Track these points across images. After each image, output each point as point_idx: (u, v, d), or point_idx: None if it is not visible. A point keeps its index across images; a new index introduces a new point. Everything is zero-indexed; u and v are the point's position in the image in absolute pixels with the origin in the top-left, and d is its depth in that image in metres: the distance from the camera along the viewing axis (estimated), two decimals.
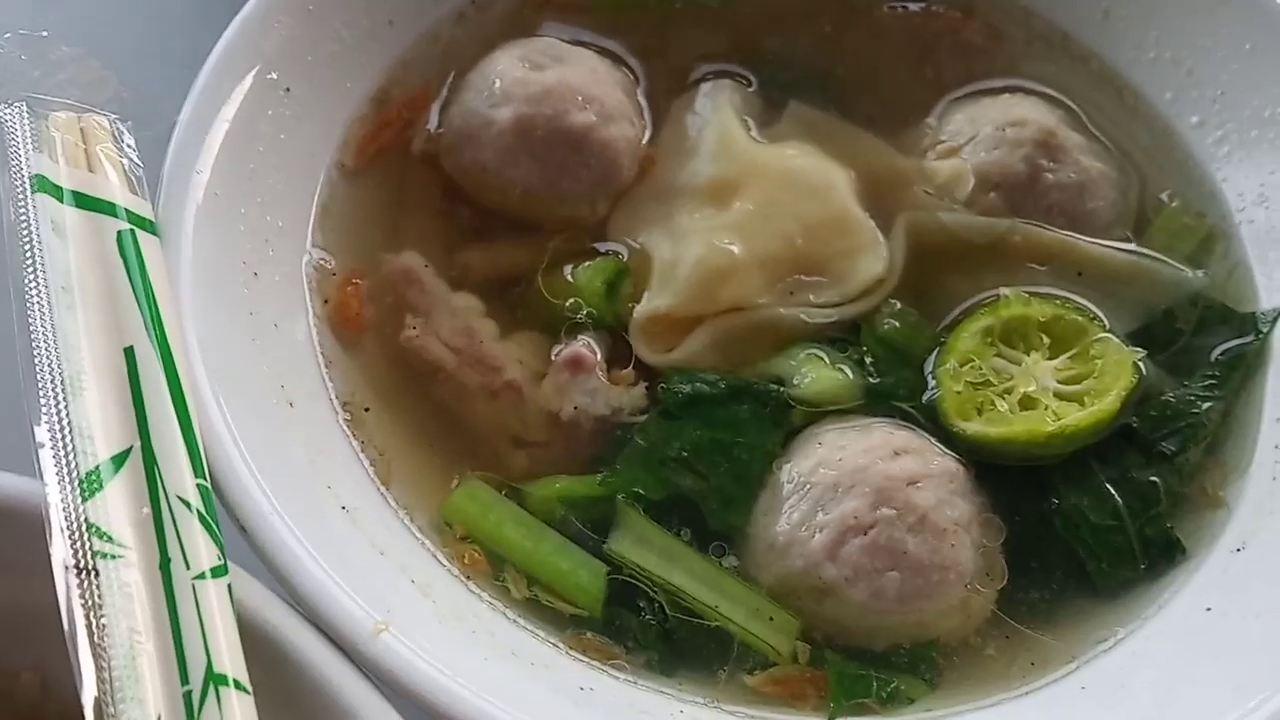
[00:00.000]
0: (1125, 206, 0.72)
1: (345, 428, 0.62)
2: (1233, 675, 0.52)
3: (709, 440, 0.63)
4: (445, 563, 0.59)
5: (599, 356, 0.66)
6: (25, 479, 0.51)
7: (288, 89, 0.67)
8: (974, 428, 0.62)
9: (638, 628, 0.59)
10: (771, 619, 0.59)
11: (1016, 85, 0.76)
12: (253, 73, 0.65)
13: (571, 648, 0.58)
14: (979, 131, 0.72)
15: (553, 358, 0.66)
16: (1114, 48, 0.75)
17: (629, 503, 0.61)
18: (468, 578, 0.59)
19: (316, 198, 0.69)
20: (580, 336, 0.66)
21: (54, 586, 0.47)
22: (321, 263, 0.67)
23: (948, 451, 0.62)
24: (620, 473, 0.62)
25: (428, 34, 0.74)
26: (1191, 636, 0.56)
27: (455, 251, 0.70)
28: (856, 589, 0.58)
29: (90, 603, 0.46)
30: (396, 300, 0.67)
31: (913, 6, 0.78)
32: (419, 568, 0.58)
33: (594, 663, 0.57)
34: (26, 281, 0.53)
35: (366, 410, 0.64)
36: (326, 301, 0.66)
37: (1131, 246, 0.71)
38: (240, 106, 0.64)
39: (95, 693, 0.45)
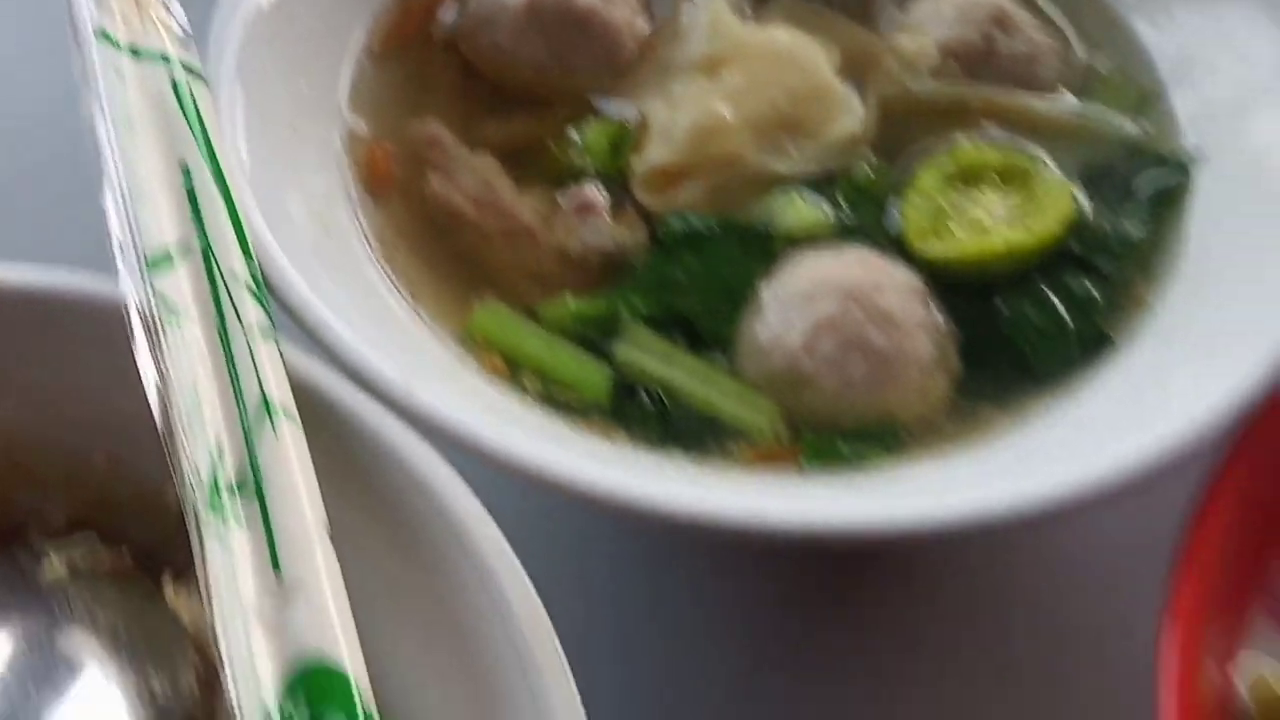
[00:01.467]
0: (1070, 73, 0.78)
1: (377, 259, 0.69)
2: (1158, 429, 0.57)
3: (702, 267, 0.69)
4: (472, 361, 0.65)
5: (608, 202, 0.72)
6: (96, 277, 0.57)
7: None
8: (933, 249, 0.69)
9: (640, 415, 0.65)
10: (756, 406, 0.65)
11: None
12: None
13: (580, 426, 0.63)
14: (941, 12, 0.78)
15: (563, 203, 0.72)
16: None
17: (632, 317, 0.68)
18: (491, 374, 0.65)
19: (348, 78, 0.76)
20: (588, 184, 0.72)
21: (124, 376, 0.53)
22: (353, 130, 0.74)
23: (910, 269, 0.68)
24: (625, 294, 0.69)
25: None
26: (1121, 407, 0.62)
27: (473, 125, 0.77)
28: (829, 378, 0.64)
29: (159, 356, 0.52)
30: (421, 161, 0.74)
31: None
32: (447, 360, 0.64)
33: (600, 437, 0.63)
34: (95, 117, 0.60)
35: (395, 250, 0.70)
36: (357, 162, 0.73)
37: (1075, 105, 0.77)
38: None
39: (164, 426, 0.51)
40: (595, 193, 0.72)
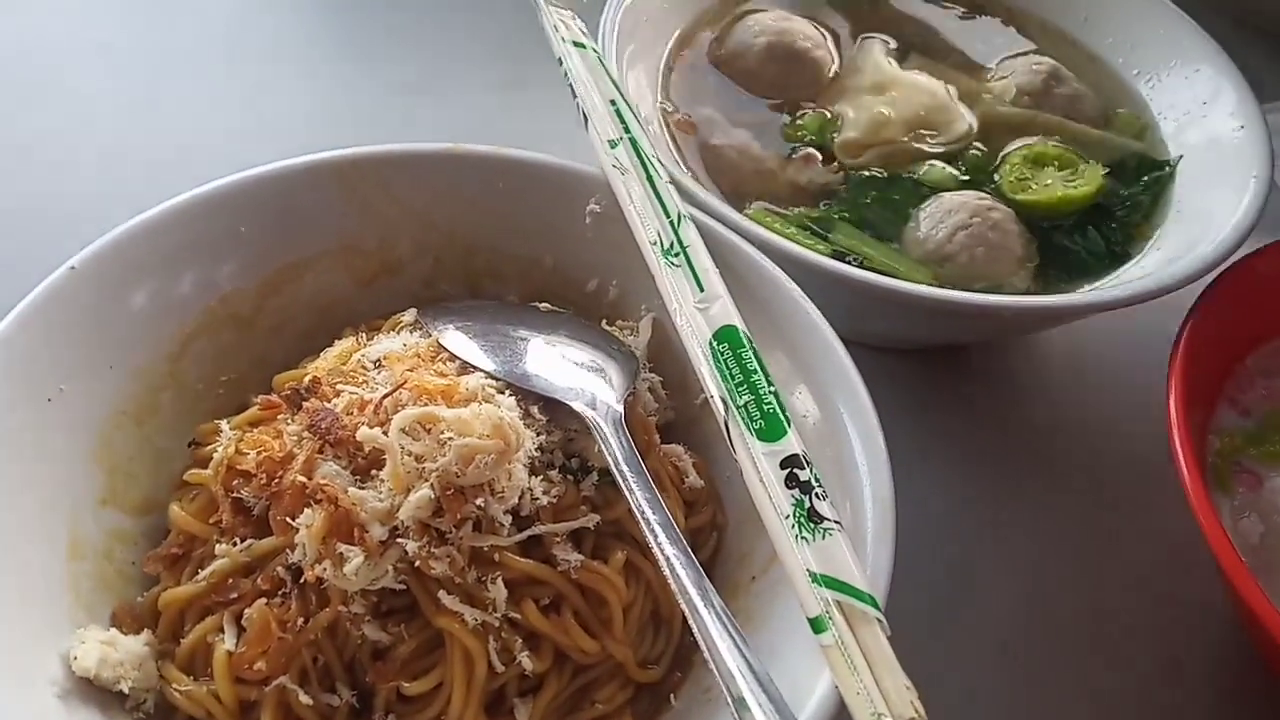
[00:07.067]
0: (1098, 109, 1.18)
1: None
2: (1150, 282, 0.94)
3: (880, 196, 1.07)
4: None
5: (820, 158, 1.10)
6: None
7: None
8: (1021, 196, 1.07)
9: None
10: (918, 270, 1.02)
11: (1032, 50, 1.23)
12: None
13: None
14: (1017, 67, 1.18)
15: (792, 156, 1.10)
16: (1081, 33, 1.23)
17: (839, 219, 1.05)
18: None
19: (659, 76, 1.14)
20: (808, 149, 1.10)
21: (570, 212, 0.90)
22: (662, 105, 1.11)
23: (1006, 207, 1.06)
24: (834, 208, 1.06)
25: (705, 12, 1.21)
26: (1132, 280, 0.99)
27: (732, 112, 1.14)
28: (962, 257, 1.01)
29: (624, 191, 0.89)
30: (704, 127, 1.12)
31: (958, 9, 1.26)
32: None
33: None
34: (567, 79, 0.97)
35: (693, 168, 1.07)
36: (668, 122, 1.10)
37: (1101, 131, 1.16)
38: None
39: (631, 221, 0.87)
40: (814, 152, 1.09)
